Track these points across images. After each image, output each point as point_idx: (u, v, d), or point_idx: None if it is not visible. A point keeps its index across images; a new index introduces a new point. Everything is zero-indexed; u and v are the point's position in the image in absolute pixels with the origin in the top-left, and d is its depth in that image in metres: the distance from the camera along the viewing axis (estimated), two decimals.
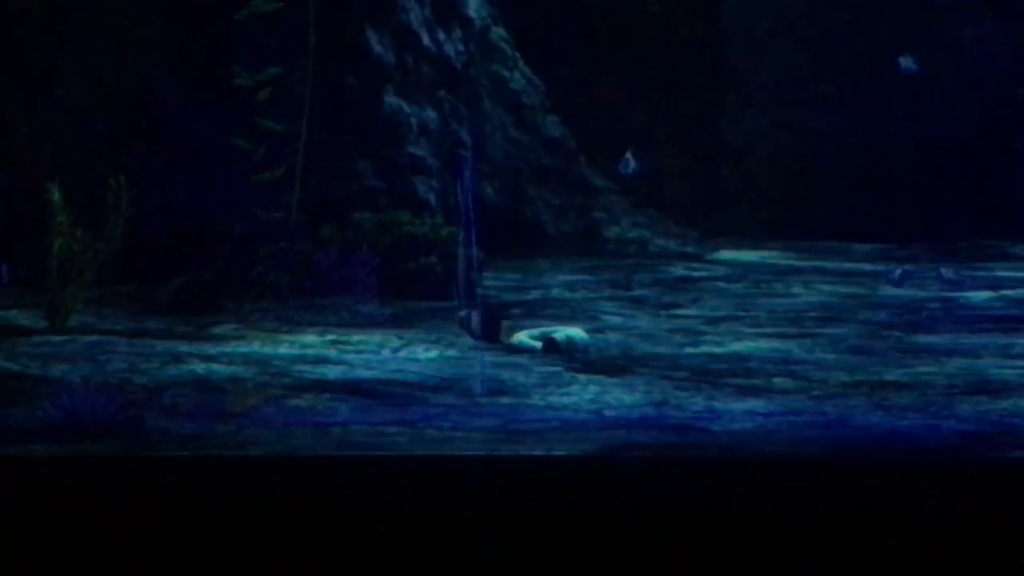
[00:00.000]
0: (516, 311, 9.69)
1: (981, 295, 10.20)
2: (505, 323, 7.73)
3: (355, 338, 8.63)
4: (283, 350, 8.29)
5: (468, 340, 8.02)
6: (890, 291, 10.10)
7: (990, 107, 13.05)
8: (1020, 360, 8.05)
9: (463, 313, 8.21)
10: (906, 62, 10.81)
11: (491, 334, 8.02)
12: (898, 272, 9.91)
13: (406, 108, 11.05)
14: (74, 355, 8.12)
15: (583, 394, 7.28)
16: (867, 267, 11.41)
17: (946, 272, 10.18)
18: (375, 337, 8.66)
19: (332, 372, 7.78)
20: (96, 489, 5.65)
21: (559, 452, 6.43)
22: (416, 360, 8.13)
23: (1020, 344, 8.49)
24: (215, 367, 7.79)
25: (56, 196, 9.05)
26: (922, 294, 10.31)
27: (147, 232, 9.60)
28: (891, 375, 7.72)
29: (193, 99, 10.38)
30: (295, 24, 10.53)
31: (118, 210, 9.26)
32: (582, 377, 7.65)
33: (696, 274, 11.26)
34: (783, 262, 11.62)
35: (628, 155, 10.38)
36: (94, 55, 10.48)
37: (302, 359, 8.07)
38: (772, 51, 13.29)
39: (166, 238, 10.18)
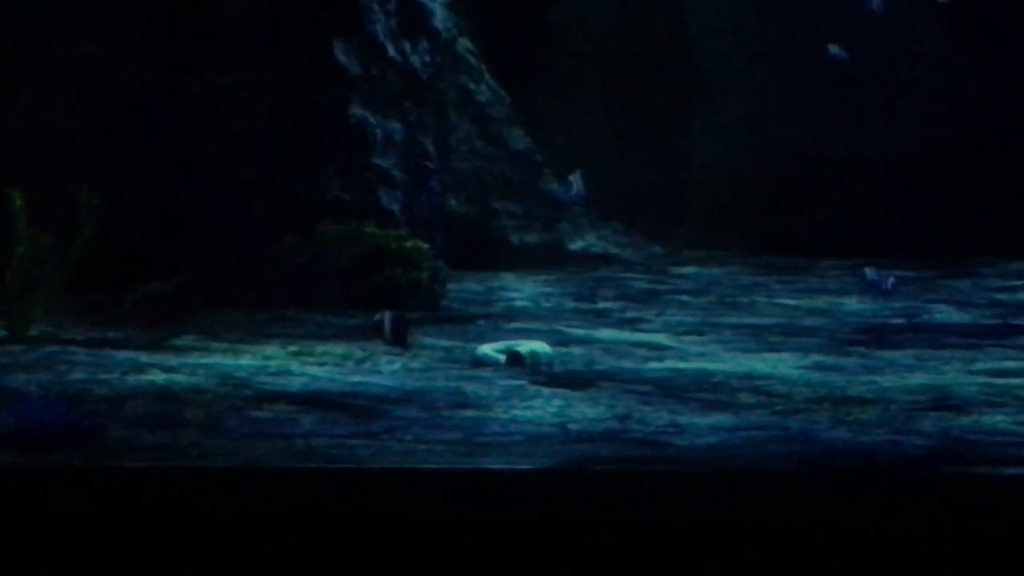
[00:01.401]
0: (481, 323, 9.67)
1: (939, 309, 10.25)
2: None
3: (318, 349, 8.59)
4: (245, 361, 8.25)
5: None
6: (867, 302, 10.11)
7: (958, 125, 13.13)
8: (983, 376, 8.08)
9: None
10: (835, 49, 10.91)
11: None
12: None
13: (371, 119, 11.03)
14: (34, 364, 8.06)
15: (547, 407, 7.27)
16: (832, 285, 11.46)
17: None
18: (338, 349, 8.62)
19: (294, 384, 7.74)
20: (54, 500, 5.60)
21: (522, 465, 6.41)
22: (379, 372, 8.11)
23: (983, 359, 8.53)
24: (176, 378, 7.74)
25: (18, 202, 8.97)
26: (885, 310, 10.35)
27: (113, 239, 9.55)
28: (855, 390, 7.74)
29: (164, 102, 10.34)
30: (263, 31, 10.50)
31: (83, 217, 9.20)
32: (546, 391, 7.63)
33: (661, 288, 11.27)
34: (748, 277, 11.64)
35: (573, 177, 10.35)
36: (61, 56, 10.41)
37: (264, 370, 8.03)
38: (741, 65, 13.34)
39: (131, 246, 10.13)
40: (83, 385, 7.55)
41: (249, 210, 10.27)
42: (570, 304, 10.56)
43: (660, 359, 8.57)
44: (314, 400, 7.36)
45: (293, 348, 8.63)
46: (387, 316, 8.14)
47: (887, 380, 7.97)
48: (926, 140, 13.07)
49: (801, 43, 13.20)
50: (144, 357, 8.26)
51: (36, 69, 10.40)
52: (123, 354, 8.35)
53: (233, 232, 10.14)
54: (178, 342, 8.77)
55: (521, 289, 11.16)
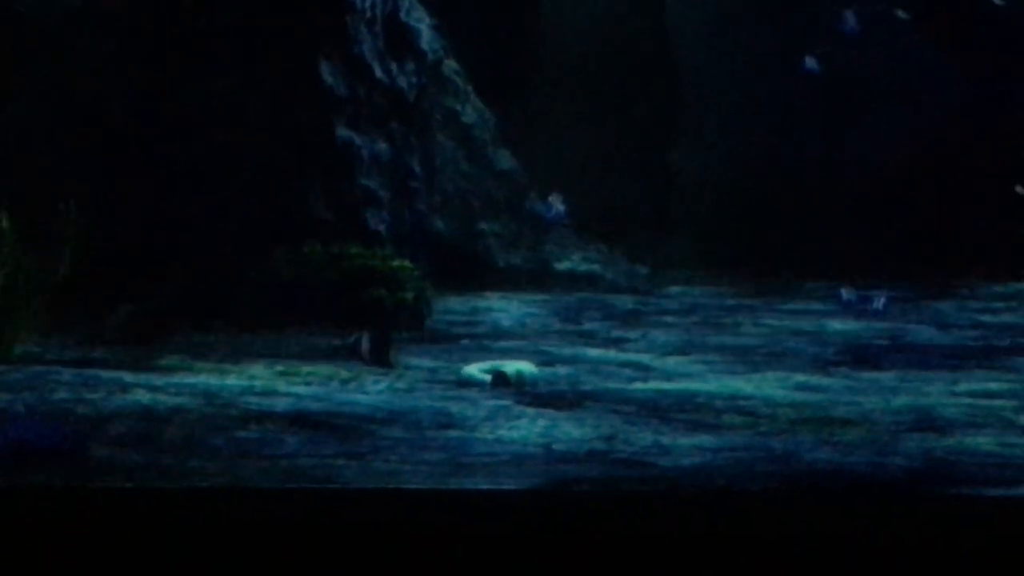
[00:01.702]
0: (466, 343, 9.68)
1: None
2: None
3: (304, 369, 8.59)
4: (230, 381, 8.24)
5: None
6: (848, 322, 10.14)
7: (946, 142, 13.18)
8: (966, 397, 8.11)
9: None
10: (810, 61, 11.02)
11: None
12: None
13: (357, 139, 11.04)
14: (18, 384, 8.04)
15: (532, 428, 7.27)
16: (815, 305, 11.49)
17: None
18: (324, 368, 8.62)
19: (280, 404, 7.73)
20: (37, 519, 5.59)
21: (507, 486, 6.42)
22: (365, 392, 8.11)
23: (966, 380, 8.56)
24: (161, 398, 7.74)
25: (3, 223, 8.96)
26: (868, 331, 10.38)
27: (97, 259, 9.54)
28: (839, 411, 7.76)
29: (149, 123, 10.34)
30: (249, 52, 10.52)
31: (67, 236, 9.19)
32: (531, 411, 7.64)
33: (646, 308, 11.29)
34: (732, 298, 11.67)
35: (553, 197, 10.39)
36: (44, 73, 10.41)
37: (249, 390, 8.02)
38: (726, 83, 13.38)
39: (115, 266, 10.12)
40: (67, 405, 7.54)
41: (235, 230, 10.27)
42: (555, 324, 10.57)
43: (645, 379, 8.58)
44: (300, 420, 7.35)
45: (279, 368, 8.63)
46: (365, 336, 8.03)
47: (870, 401, 7.99)
48: (908, 160, 13.12)
49: (785, 62, 13.24)
50: (129, 376, 8.25)
51: (21, 85, 10.40)
52: (108, 373, 8.33)
53: (219, 252, 10.14)
54: (163, 361, 8.76)
55: (507, 309, 11.18)
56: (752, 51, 13.39)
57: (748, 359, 9.27)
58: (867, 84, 13.06)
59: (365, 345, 7.71)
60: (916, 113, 13.06)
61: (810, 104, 13.11)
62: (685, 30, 13.61)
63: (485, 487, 6.38)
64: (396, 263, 10.53)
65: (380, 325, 9.33)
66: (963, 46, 13.22)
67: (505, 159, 12.79)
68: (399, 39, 11.69)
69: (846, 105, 13.07)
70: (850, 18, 11.01)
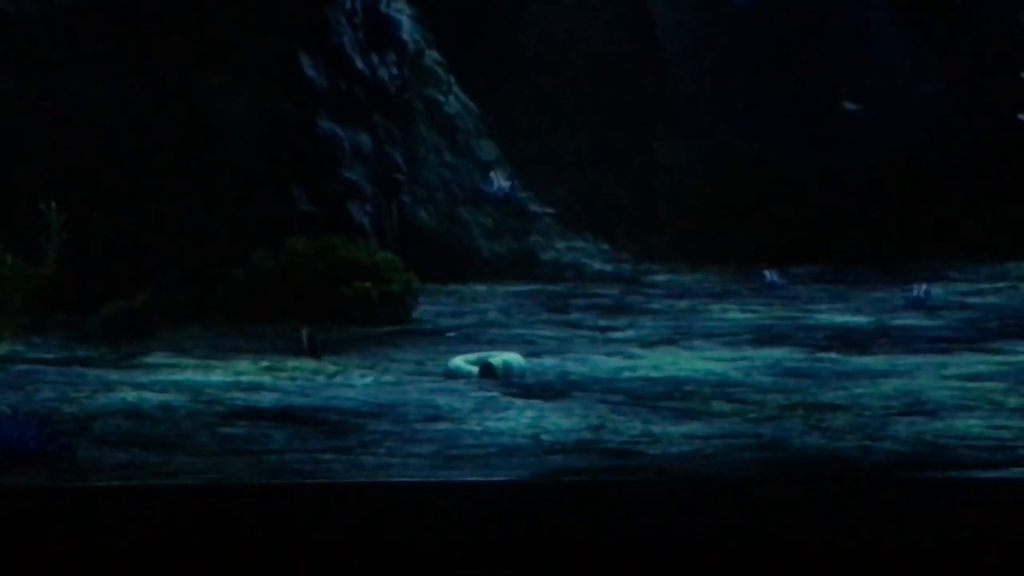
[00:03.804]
0: (452, 335, 9.65)
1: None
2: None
3: (290, 364, 8.56)
4: (216, 377, 8.21)
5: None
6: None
7: (924, 133, 13.20)
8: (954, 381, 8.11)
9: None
10: (850, 105, 11.29)
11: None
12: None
13: (340, 132, 11.00)
14: (1, 384, 7.99)
15: (520, 419, 7.25)
16: (802, 292, 11.48)
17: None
18: (310, 363, 8.59)
19: (266, 399, 7.70)
20: (23, 520, 5.55)
21: (496, 477, 6.39)
22: (352, 386, 8.07)
23: (955, 364, 8.55)
24: (146, 395, 7.69)
25: None
26: (855, 317, 10.38)
27: (80, 257, 9.49)
28: (827, 396, 7.75)
29: (130, 121, 10.29)
30: (230, 45, 10.46)
31: (50, 235, 9.12)
32: (519, 402, 7.62)
33: (632, 297, 11.27)
34: (719, 285, 11.66)
35: (494, 174, 10.37)
36: (25, 72, 10.35)
37: (236, 386, 7.99)
38: (707, 75, 13.36)
39: (98, 264, 10.07)
40: (52, 404, 7.49)
41: (218, 225, 10.23)
42: (542, 314, 10.55)
43: (633, 368, 8.56)
44: (287, 415, 7.32)
45: (264, 363, 8.59)
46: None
47: (859, 386, 7.98)
48: (894, 149, 13.13)
49: (770, 54, 13.24)
50: (114, 374, 8.20)
51: (3, 84, 10.34)
52: (93, 372, 8.29)
53: (203, 247, 10.10)
54: (148, 358, 8.72)
55: (492, 300, 11.15)
56: (738, 43, 13.37)
57: (736, 346, 9.26)
58: (857, 75, 13.07)
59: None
60: (897, 100, 13.07)
61: (794, 94, 13.12)
62: (668, 19, 13.59)
63: (474, 479, 6.35)
64: (381, 256, 10.49)
65: (372, 320, 9.59)
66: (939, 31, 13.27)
67: (489, 150, 12.76)
68: (380, 30, 11.65)
69: (830, 95, 13.08)
70: None
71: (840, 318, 10.34)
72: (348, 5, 11.31)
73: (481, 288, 11.63)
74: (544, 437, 6.91)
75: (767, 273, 10.49)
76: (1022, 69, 12.25)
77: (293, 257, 10.23)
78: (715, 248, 12.69)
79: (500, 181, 10.34)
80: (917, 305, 10.03)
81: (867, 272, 11.94)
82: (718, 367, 8.55)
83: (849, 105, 11.37)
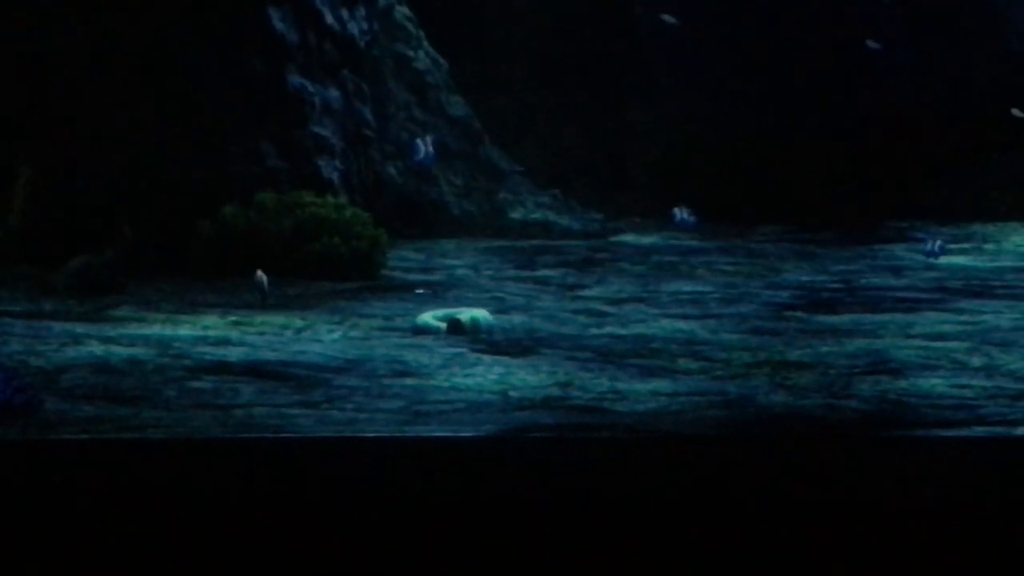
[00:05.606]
0: (421, 291, 9.66)
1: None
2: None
3: (258, 319, 8.55)
4: (184, 332, 8.20)
5: None
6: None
7: (890, 99, 13.23)
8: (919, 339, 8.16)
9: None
10: (873, 44, 11.83)
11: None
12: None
13: (309, 87, 10.95)
14: None
15: (488, 375, 7.27)
16: (771, 250, 11.52)
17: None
18: (278, 318, 8.58)
19: (234, 354, 7.70)
20: None
21: (464, 433, 6.42)
22: (320, 341, 8.08)
23: (920, 323, 8.61)
24: (114, 349, 7.68)
25: None
26: (821, 276, 10.43)
27: (48, 210, 9.44)
28: (793, 355, 7.79)
29: (98, 73, 10.21)
30: None
31: (17, 188, 9.09)
32: (487, 358, 7.64)
33: (600, 255, 11.29)
34: (686, 243, 11.68)
35: (421, 140, 10.37)
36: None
37: (203, 340, 7.98)
38: (681, 38, 13.34)
39: (65, 218, 10.03)
40: (20, 357, 7.47)
41: (186, 179, 10.18)
42: (510, 271, 10.56)
43: (600, 326, 8.59)
44: (254, 370, 7.32)
45: (232, 318, 8.58)
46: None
47: (825, 345, 8.03)
48: (863, 113, 13.17)
49: (742, 22, 13.25)
50: (81, 328, 8.18)
51: None
52: (60, 325, 8.27)
53: (169, 201, 10.05)
54: (116, 313, 8.70)
55: (461, 257, 11.15)
56: (712, 7, 13.37)
57: (703, 304, 9.29)
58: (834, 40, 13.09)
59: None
60: (869, 68, 13.09)
61: (767, 61, 13.13)
62: None
63: (442, 434, 6.38)
64: (350, 212, 10.47)
65: (341, 275, 9.66)
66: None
67: (458, 106, 12.72)
68: None
69: (801, 63, 13.10)
70: None
71: (806, 277, 10.39)
72: None
73: (450, 244, 11.63)
74: (512, 393, 6.94)
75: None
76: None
77: (262, 212, 10.20)
78: (684, 205, 12.71)
79: (428, 148, 10.32)
80: (931, 256, 10.29)
81: (833, 234, 11.99)
82: (685, 325, 8.59)
83: (872, 44, 11.53)
